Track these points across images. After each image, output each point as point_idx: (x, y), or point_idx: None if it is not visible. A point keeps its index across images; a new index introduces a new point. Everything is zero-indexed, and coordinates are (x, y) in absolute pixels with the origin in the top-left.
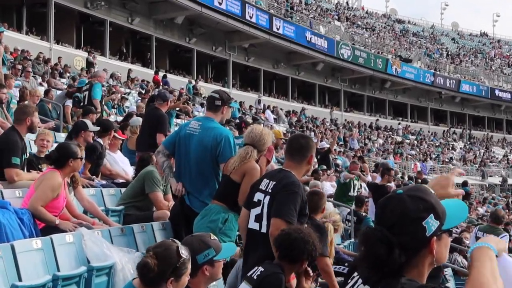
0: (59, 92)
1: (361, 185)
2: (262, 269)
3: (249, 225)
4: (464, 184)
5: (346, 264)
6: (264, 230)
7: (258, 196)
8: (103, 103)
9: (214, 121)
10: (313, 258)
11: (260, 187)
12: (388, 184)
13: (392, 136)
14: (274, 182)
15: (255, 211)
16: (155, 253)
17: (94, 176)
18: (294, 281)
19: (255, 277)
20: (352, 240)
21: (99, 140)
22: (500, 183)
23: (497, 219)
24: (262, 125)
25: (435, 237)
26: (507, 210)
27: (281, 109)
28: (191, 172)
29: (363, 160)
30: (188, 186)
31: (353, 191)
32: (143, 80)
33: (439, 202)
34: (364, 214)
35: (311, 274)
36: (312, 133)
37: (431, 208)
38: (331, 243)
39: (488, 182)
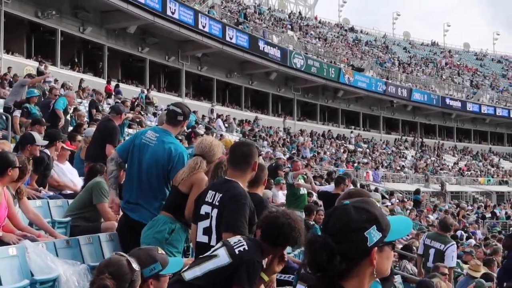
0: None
1: (312, 194)
2: (246, 248)
3: (198, 238)
4: (416, 192)
5: (296, 273)
6: (213, 243)
7: (205, 209)
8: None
9: (171, 135)
10: (297, 244)
11: (207, 199)
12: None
13: (345, 145)
14: (221, 194)
15: (203, 224)
16: (110, 273)
17: (41, 188)
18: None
19: (237, 252)
20: (303, 248)
21: (46, 151)
22: (440, 188)
23: (445, 226)
24: (214, 135)
25: (376, 248)
26: (457, 217)
27: (234, 118)
28: (142, 182)
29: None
30: (137, 196)
31: (304, 189)
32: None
33: (383, 216)
34: (312, 223)
35: (286, 259)
36: (265, 142)
37: (374, 220)
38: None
39: (432, 188)
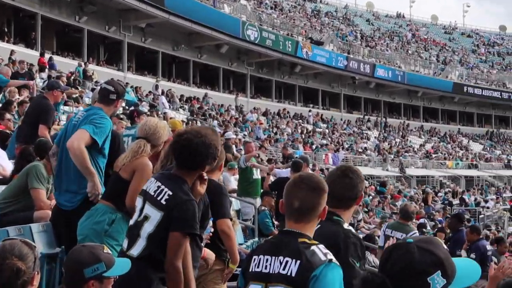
0: None
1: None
2: (170, 193)
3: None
4: (382, 184)
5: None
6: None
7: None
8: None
9: (102, 111)
10: (215, 161)
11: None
12: None
13: (302, 125)
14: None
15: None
16: (16, 256)
17: None
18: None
19: (164, 202)
20: (256, 239)
21: None
22: (399, 171)
23: (407, 215)
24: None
25: None
26: (423, 204)
27: (182, 95)
28: (68, 168)
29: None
30: (67, 183)
31: (257, 174)
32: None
33: (450, 259)
34: (263, 208)
35: (205, 177)
36: (215, 122)
37: (440, 264)
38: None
39: (392, 172)
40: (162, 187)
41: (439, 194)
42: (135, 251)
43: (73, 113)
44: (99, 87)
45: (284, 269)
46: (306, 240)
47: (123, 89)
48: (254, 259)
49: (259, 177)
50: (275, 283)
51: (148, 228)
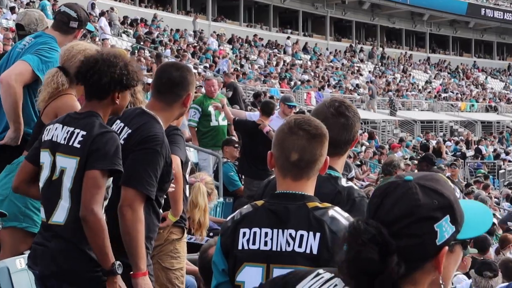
0: None
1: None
2: (84, 133)
3: None
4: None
5: (211, 234)
6: None
7: None
8: None
9: (54, 42)
10: (127, 85)
11: None
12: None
13: (278, 55)
14: (130, 131)
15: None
16: None
17: None
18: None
19: (77, 145)
20: (221, 199)
21: None
22: (389, 113)
23: (387, 170)
24: (96, 40)
25: (446, 248)
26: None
27: (125, 16)
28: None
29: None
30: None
31: (216, 120)
32: None
33: (458, 202)
34: (225, 159)
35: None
36: (168, 51)
37: (449, 208)
38: (204, 210)
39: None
40: (71, 129)
41: (448, 143)
42: (60, 217)
43: None
44: (26, 8)
45: (300, 246)
46: (318, 204)
47: (86, 16)
48: (244, 233)
49: (223, 123)
50: (284, 264)
51: (67, 182)
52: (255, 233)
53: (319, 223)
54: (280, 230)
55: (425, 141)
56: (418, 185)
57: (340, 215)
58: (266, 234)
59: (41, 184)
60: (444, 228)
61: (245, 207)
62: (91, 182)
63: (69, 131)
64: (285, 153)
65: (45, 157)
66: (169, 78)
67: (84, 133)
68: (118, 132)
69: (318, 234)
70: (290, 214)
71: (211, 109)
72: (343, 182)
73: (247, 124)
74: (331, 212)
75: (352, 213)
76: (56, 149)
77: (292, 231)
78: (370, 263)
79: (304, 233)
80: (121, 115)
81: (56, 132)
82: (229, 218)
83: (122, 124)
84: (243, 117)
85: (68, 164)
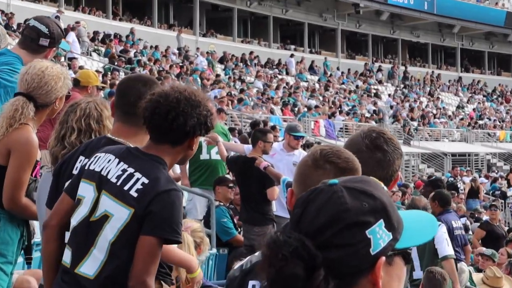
0: None
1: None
2: (146, 181)
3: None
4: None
5: None
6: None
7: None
8: None
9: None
10: (210, 129)
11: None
12: (264, 155)
13: (280, 76)
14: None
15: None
16: None
17: None
18: None
19: (134, 194)
20: (214, 250)
21: None
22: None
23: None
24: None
25: (383, 258)
26: (462, 197)
27: (95, 32)
28: None
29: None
30: None
31: (208, 153)
32: None
33: (394, 205)
34: (217, 203)
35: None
36: (147, 72)
37: (382, 211)
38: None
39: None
40: (131, 170)
41: (484, 180)
42: (90, 269)
43: None
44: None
45: None
46: None
47: (60, 32)
48: (254, 286)
49: (216, 157)
50: None
51: (109, 232)
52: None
53: None
54: None
55: (452, 179)
56: (344, 188)
57: None
58: None
59: (73, 222)
60: (379, 235)
61: (256, 254)
62: (147, 250)
63: (125, 170)
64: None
65: (87, 190)
66: (138, 95)
67: (146, 181)
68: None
69: None
70: None
71: (201, 139)
72: None
73: (239, 159)
74: None
75: None
76: (105, 187)
77: None
78: (294, 280)
79: None
80: (84, 149)
81: (108, 164)
82: (236, 266)
83: (87, 160)
84: (240, 151)
85: (117, 212)
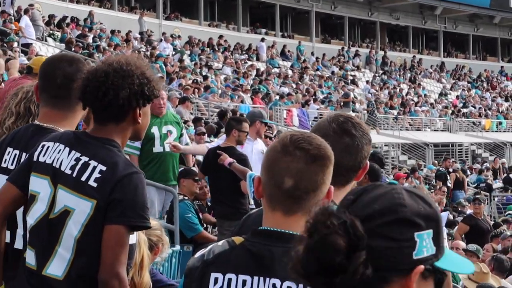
0: None
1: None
2: (103, 168)
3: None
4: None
5: None
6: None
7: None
8: None
9: None
10: (150, 98)
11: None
12: (238, 145)
13: (250, 62)
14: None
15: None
16: None
17: None
18: None
19: (93, 184)
20: (177, 247)
21: None
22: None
23: None
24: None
25: (422, 267)
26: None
27: (51, 15)
28: None
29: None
30: None
31: (160, 143)
32: None
33: (442, 223)
34: (181, 197)
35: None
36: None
37: (434, 221)
38: (141, 266)
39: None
40: (85, 158)
41: (469, 172)
42: (57, 269)
43: None
44: None
45: None
46: None
47: None
48: (216, 279)
49: (167, 149)
50: None
51: (73, 229)
52: (230, 280)
53: None
54: (262, 279)
55: (443, 169)
56: (403, 189)
57: None
58: (244, 282)
59: (30, 221)
60: (425, 243)
61: (219, 243)
62: (114, 239)
63: (79, 159)
64: (276, 178)
65: (41, 185)
66: (65, 76)
67: (104, 168)
68: (14, 162)
69: None
70: (275, 259)
71: (154, 130)
72: None
73: (210, 150)
74: None
75: None
76: (60, 180)
77: (277, 281)
78: (335, 251)
79: (292, 285)
80: (11, 139)
81: (59, 155)
82: (198, 254)
83: (17, 152)
84: (203, 153)
85: (79, 206)
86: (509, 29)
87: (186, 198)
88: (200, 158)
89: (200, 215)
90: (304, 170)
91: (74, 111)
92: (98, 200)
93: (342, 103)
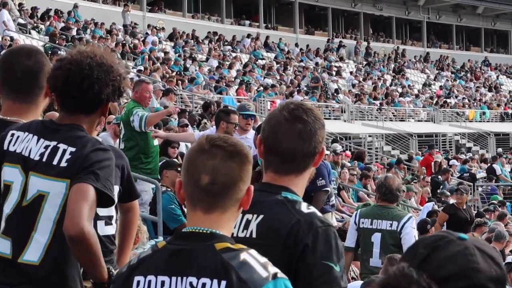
0: None
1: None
2: (73, 149)
3: None
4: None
5: None
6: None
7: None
8: None
9: None
10: (122, 94)
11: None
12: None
13: (235, 53)
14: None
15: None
16: None
17: None
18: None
19: (65, 164)
20: (160, 238)
21: None
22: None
23: (390, 194)
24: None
25: None
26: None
27: (34, 7)
28: None
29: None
30: None
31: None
32: None
33: None
34: (164, 188)
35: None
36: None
37: (502, 283)
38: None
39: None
40: (53, 143)
41: (454, 162)
42: (33, 255)
43: None
44: None
45: None
46: (229, 245)
47: None
48: (138, 282)
49: (155, 142)
50: None
51: (50, 211)
52: (149, 282)
53: (225, 269)
54: (179, 278)
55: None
56: (476, 248)
57: (255, 260)
58: (162, 283)
59: (6, 210)
60: None
61: (146, 248)
62: (80, 194)
63: (48, 145)
64: (194, 177)
65: (12, 174)
66: (25, 69)
67: (73, 149)
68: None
69: (223, 283)
70: (194, 258)
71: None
72: (303, 207)
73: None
74: (243, 256)
75: (316, 247)
76: (30, 167)
77: (193, 279)
78: None
79: (207, 281)
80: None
81: (28, 144)
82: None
83: (6, 141)
84: (191, 140)
85: (53, 189)
86: (492, 19)
87: (169, 189)
88: (183, 150)
89: (183, 206)
90: (220, 165)
91: (37, 103)
92: (72, 178)
93: (312, 88)
